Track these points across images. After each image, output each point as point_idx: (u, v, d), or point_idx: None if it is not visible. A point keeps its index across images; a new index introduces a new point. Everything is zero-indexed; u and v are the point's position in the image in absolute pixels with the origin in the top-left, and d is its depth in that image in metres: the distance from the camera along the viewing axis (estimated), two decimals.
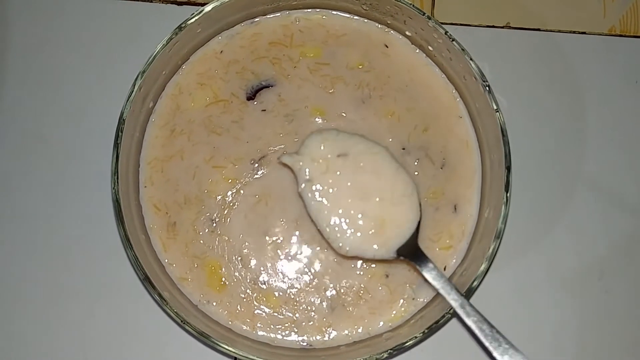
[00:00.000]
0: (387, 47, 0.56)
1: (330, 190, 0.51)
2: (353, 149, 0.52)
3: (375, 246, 0.50)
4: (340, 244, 0.50)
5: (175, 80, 0.55)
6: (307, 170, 0.51)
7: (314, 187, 0.51)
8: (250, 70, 0.56)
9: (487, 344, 0.48)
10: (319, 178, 0.51)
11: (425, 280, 0.51)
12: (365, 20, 0.57)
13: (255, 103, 0.55)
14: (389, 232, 0.51)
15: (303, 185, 0.51)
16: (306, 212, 0.52)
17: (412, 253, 0.51)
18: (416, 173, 0.55)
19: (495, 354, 0.47)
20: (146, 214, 0.53)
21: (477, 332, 0.48)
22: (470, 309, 0.48)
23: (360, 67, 0.56)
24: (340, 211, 0.50)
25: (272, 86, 0.56)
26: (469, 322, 0.48)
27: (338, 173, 0.51)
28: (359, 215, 0.50)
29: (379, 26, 0.57)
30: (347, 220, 0.50)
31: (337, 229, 0.50)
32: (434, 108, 0.56)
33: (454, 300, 0.49)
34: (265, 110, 0.55)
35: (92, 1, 0.60)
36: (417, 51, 0.57)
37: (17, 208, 0.57)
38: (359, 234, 0.50)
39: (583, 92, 0.61)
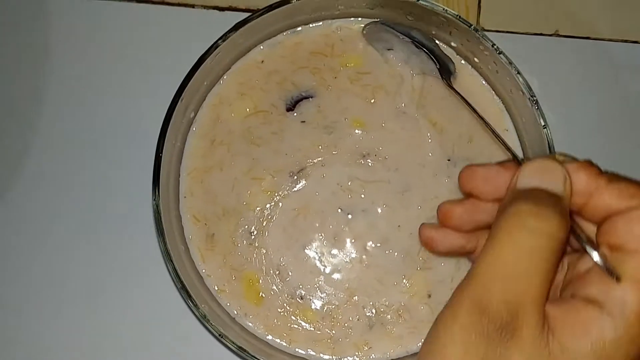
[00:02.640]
0: None
1: None
2: None
3: None
4: None
5: (216, 91, 0.55)
6: None
7: None
8: (291, 81, 0.55)
9: None
10: None
11: None
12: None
13: (295, 114, 0.55)
14: None
15: None
16: (346, 227, 0.52)
17: None
18: None
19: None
20: (185, 224, 0.53)
21: None
22: None
23: None
24: None
25: (312, 97, 0.55)
26: None
27: None
28: None
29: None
30: None
31: None
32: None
33: None
34: (304, 121, 0.54)
35: (133, 7, 0.60)
36: (463, 62, 0.55)
37: (57, 213, 0.57)
38: None
39: (635, 104, 0.59)
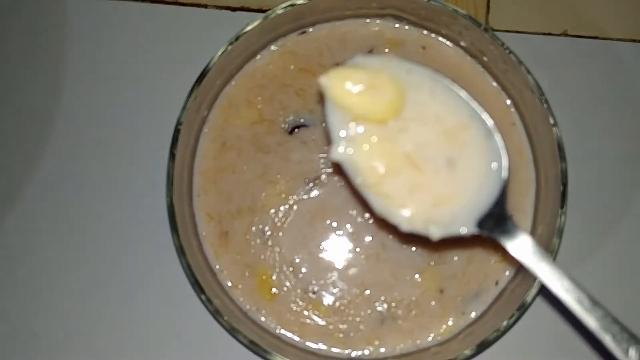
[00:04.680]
0: (424, 48, 0.56)
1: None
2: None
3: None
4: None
5: (226, 92, 0.56)
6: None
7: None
8: (294, 89, 0.56)
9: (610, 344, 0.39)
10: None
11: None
12: (410, 27, 0.56)
13: (295, 138, 0.55)
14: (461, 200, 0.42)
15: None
16: (362, 226, 0.52)
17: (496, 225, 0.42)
18: None
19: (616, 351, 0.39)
20: (199, 221, 0.54)
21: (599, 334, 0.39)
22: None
23: None
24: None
25: (307, 126, 0.55)
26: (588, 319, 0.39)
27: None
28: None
29: (425, 32, 0.56)
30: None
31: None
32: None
33: (565, 290, 0.40)
34: (305, 142, 0.55)
35: (146, 7, 0.61)
36: (469, 58, 0.56)
37: (71, 209, 0.58)
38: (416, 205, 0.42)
39: None
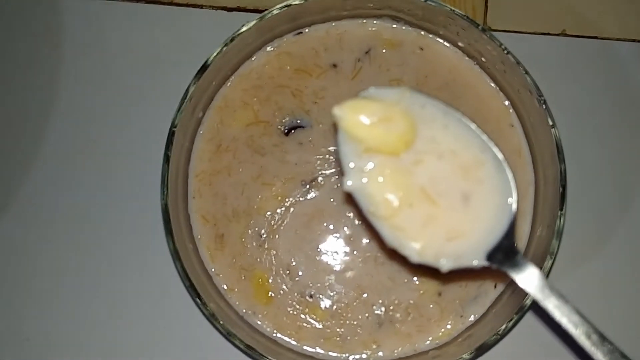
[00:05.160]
0: (422, 49, 0.55)
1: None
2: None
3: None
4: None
5: (222, 93, 0.55)
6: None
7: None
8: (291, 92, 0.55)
9: None
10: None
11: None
12: (407, 27, 0.56)
13: (291, 139, 0.55)
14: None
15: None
16: (359, 228, 0.51)
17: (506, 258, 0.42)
18: None
19: None
20: (194, 224, 0.54)
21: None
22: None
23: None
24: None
25: (303, 127, 0.55)
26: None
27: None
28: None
29: (423, 33, 0.56)
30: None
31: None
32: (481, 112, 0.55)
33: (574, 325, 0.40)
34: (302, 143, 0.55)
35: (142, 7, 0.60)
36: (467, 59, 0.55)
37: (65, 211, 0.57)
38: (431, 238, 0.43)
39: None
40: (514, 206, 0.42)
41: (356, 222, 0.53)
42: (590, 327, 0.40)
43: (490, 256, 0.42)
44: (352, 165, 0.42)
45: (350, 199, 0.46)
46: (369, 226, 0.44)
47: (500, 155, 0.43)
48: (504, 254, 0.42)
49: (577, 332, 0.40)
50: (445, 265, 0.42)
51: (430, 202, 0.42)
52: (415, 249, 0.42)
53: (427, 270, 0.52)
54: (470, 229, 0.42)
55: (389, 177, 0.42)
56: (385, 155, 0.42)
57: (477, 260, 0.42)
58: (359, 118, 0.41)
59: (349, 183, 0.42)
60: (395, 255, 0.45)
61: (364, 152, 0.42)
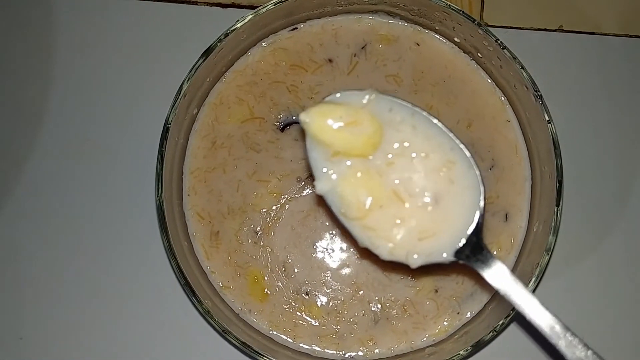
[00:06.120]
0: (418, 45, 0.55)
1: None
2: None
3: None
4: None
5: (217, 89, 0.55)
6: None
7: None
8: (285, 85, 0.55)
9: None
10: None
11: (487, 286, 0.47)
12: (403, 23, 0.55)
13: (287, 135, 0.54)
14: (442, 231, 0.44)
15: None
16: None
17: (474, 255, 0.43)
18: None
19: None
20: (189, 221, 0.53)
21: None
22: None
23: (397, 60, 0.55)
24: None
25: (299, 123, 0.54)
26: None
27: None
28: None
29: (419, 28, 0.55)
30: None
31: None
32: (477, 107, 0.55)
33: (538, 316, 0.41)
34: (297, 140, 0.54)
35: (136, 4, 0.60)
36: (463, 54, 0.55)
37: (61, 208, 0.57)
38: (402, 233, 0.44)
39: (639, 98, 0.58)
40: (482, 203, 0.43)
41: None
42: (553, 319, 0.41)
43: (458, 252, 0.43)
44: (322, 169, 0.43)
45: (322, 201, 0.47)
46: (342, 227, 0.45)
47: (467, 153, 0.43)
48: (472, 249, 0.43)
49: (542, 324, 0.41)
50: (414, 262, 0.43)
51: (401, 203, 0.43)
52: (386, 248, 0.43)
53: (423, 267, 0.52)
54: (441, 227, 0.43)
55: (359, 179, 0.43)
56: (356, 158, 0.42)
57: (446, 254, 0.43)
58: (326, 122, 0.42)
59: (319, 187, 0.43)
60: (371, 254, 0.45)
61: (333, 156, 0.42)
